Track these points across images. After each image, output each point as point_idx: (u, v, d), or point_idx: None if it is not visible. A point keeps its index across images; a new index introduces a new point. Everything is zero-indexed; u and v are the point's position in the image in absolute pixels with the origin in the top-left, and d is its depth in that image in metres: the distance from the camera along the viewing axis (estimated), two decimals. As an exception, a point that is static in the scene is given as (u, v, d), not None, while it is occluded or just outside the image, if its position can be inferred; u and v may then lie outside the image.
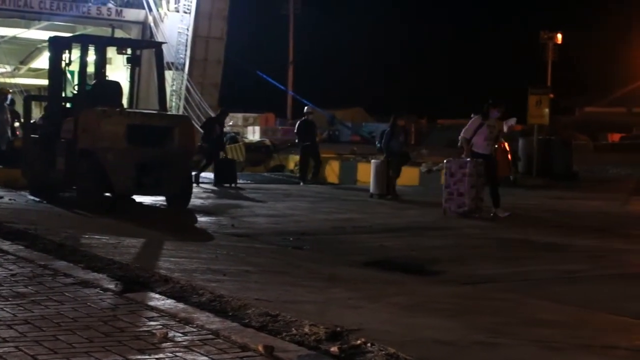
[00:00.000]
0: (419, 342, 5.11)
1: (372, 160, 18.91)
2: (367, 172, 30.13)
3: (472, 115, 14.53)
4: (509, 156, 21.08)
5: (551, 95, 25.41)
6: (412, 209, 15.47)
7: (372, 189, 17.88)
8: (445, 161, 14.41)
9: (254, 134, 42.82)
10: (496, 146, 15.67)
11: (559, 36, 42.95)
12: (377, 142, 19.00)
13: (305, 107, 23.52)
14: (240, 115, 48.46)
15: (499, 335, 5.39)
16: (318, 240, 10.73)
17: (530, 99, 23.76)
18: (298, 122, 23.29)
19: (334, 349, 4.74)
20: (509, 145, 21.34)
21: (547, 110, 23.91)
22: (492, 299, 7.04)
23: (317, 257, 9.39)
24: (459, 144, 14.52)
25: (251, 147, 36.05)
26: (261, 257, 9.15)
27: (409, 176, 26.47)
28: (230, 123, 46.64)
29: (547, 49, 42.52)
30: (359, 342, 4.86)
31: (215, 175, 19.99)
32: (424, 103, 71.08)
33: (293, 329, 5.15)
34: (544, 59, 43.10)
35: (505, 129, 15.50)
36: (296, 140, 23.49)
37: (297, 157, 32.87)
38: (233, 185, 19.42)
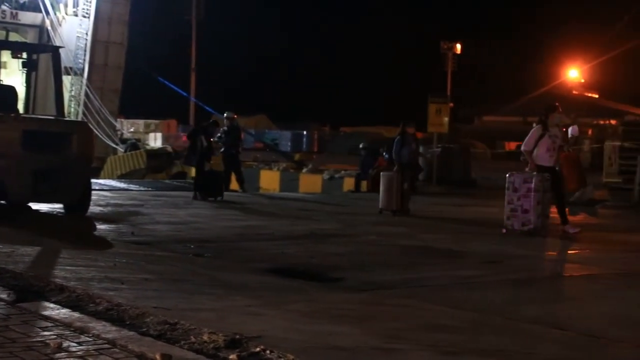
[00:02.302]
0: (318, 348, 5.13)
1: (382, 173, 17.07)
2: (270, 179, 30.26)
3: (533, 125, 13.58)
4: (579, 168, 19.43)
5: (451, 105, 25.99)
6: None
7: (381, 204, 16.10)
8: (507, 175, 13.27)
9: (155, 141, 42.29)
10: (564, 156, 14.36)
11: (458, 46, 43.90)
12: (384, 153, 17.31)
13: (226, 113, 21.84)
14: (141, 122, 47.89)
15: (397, 341, 5.45)
16: (219, 248, 10.66)
17: (431, 108, 24.22)
18: (221, 129, 21.38)
19: (232, 356, 4.73)
20: (577, 156, 19.66)
21: (446, 118, 24.46)
22: (391, 304, 7.13)
23: (218, 265, 9.33)
24: (521, 157, 13.76)
25: (152, 153, 35.64)
26: (161, 265, 9.04)
27: (312, 183, 26.64)
28: (132, 129, 46.08)
29: (447, 59, 43.38)
30: (258, 349, 4.85)
31: (200, 188, 18.20)
32: (327, 111, 71.76)
33: (192, 337, 5.11)
34: (444, 68, 43.98)
35: (569, 134, 14.65)
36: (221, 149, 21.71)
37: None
38: (219, 199, 17.81)
